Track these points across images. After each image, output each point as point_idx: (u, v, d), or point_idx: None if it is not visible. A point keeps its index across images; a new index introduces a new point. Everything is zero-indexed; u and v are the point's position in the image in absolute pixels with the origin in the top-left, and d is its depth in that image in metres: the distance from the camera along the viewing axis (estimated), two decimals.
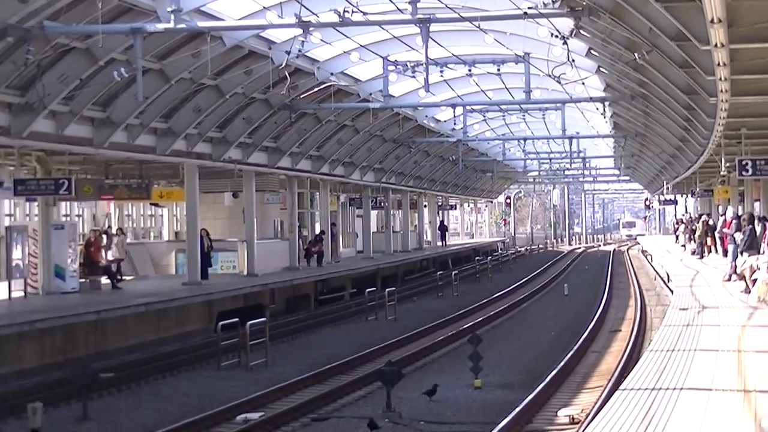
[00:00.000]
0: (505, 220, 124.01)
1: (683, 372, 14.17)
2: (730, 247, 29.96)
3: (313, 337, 32.92)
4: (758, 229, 26.28)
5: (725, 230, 33.22)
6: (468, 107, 44.83)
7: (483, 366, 23.10)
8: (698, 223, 45.88)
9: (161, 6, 24.71)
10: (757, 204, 44.39)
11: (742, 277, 25.76)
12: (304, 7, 22.98)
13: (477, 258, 69.20)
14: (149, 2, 25.09)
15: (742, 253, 25.96)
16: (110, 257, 36.27)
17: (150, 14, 25.12)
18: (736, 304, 23.41)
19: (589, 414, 18.22)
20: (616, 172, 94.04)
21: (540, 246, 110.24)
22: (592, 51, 30.09)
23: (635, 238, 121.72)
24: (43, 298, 32.12)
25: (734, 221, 30.11)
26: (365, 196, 60.19)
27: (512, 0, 24.08)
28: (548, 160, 75.55)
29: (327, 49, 33.92)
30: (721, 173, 38.77)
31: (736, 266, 27.60)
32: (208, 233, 39.64)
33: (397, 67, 33.07)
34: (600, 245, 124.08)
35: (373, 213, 65.32)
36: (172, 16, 23.19)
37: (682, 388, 12.92)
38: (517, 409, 18.83)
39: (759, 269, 23.87)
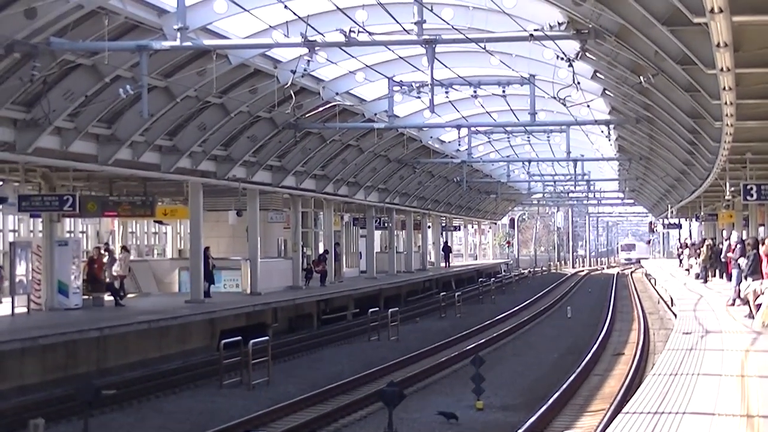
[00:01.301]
0: (508, 241, 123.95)
1: (686, 396, 14.13)
2: (734, 272, 29.92)
3: (315, 357, 32.88)
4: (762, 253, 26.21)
5: (729, 255, 33.17)
6: (473, 128, 44.84)
7: (485, 387, 23.06)
8: (702, 247, 45.85)
9: (167, 24, 24.75)
10: (761, 229, 44.32)
11: (746, 302, 25.72)
12: (310, 26, 22.99)
13: (480, 279, 69.13)
14: (155, 20, 25.13)
15: (746, 278, 25.91)
16: (114, 274, 36.21)
17: (156, 32, 25.15)
18: (740, 328, 23.36)
19: None
20: (621, 195, 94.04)
21: (543, 268, 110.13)
22: (597, 74, 30.11)
23: (637, 262, 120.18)
24: (46, 314, 32.08)
25: (738, 246, 30.07)
26: (369, 216, 60.20)
27: (518, 22, 24.12)
28: (552, 183, 75.57)
29: (332, 69, 33.95)
30: (726, 197, 38.72)
31: (740, 290, 27.57)
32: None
33: (403, 87, 33.09)
34: (603, 268, 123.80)
35: (377, 233, 65.35)
36: (178, 34, 23.20)
37: (684, 413, 12.88)
38: None
39: (763, 294, 23.84)
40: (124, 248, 39.70)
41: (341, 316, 45.69)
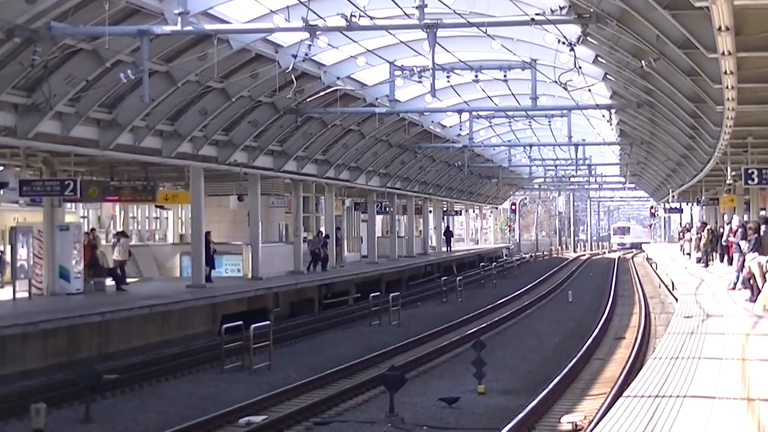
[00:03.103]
0: (510, 226, 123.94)
1: (687, 380, 14.15)
2: (735, 256, 29.90)
3: (316, 341, 32.90)
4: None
5: (731, 239, 33.15)
6: (474, 113, 44.82)
7: (486, 372, 23.06)
8: (703, 231, 45.89)
9: (168, 8, 24.73)
10: (762, 213, 44.32)
11: (749, 279, 25.59)
12: (311, 11, 22.96)
13: (482, 264, 69.16)
14: (156, 4, 25.10)
15: (750, 252, 25.76)
16: (114, 258, 36.23)
17: (157, 16, 25.13)
18: (741, 312, 23.38)
19: (592, 421, 18.18)
20: (622, 179, 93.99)
21: (545, 253, 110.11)
22: (599, 58, 30.08)
23: (635, 248, 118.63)
24: (47, 299, 32.10)
25: (740, 229, 30.06)
26: (370, 200, 60.22)
27: (520, 6, 24.09)
28: (554, 167, 75.56)
29: (333, 54, 33.90)
30: (727, 182, 38.73)
31: (743, 263, 27.37)
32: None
33: (404, 72, 33.04)
34: (605, 252, 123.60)
35: (378, 218, 65.36)
36: (179, 19, 23.18)
37: (685, 396, 12.91)
38: (520, 415, 18.80)
39: None
40: (124, 233, 39.69)
41: (342, 300, 45.72)
